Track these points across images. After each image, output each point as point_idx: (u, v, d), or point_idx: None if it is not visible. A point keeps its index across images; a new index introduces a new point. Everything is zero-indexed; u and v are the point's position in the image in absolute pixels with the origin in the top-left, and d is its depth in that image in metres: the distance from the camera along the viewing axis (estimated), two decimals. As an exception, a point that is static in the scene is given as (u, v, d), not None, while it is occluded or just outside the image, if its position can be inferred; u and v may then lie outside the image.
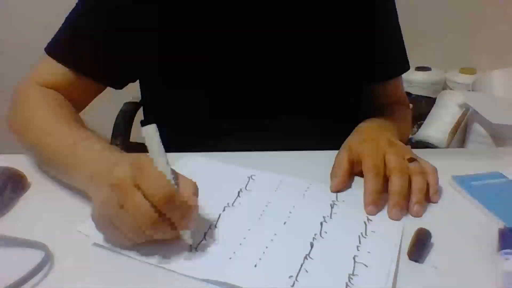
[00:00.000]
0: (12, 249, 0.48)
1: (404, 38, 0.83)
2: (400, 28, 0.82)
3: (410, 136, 1.64)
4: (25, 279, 0.42)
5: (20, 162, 0.62)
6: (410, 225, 0.52)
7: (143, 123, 0.47)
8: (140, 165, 0.44)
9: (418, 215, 0.55)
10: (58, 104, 0.66)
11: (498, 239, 0.47)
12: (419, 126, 1.69)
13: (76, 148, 0.55)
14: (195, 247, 0.47)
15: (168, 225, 0.45)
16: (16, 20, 1.76)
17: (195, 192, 0.47)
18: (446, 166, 0.60)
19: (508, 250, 0.44)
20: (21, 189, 0.59)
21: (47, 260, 0.45)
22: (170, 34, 0.70)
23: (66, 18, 0.71)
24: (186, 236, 0.46)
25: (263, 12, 0.70)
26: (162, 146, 0.47)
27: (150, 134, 0.46)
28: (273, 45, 0.71)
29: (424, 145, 1.57)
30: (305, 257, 0.46)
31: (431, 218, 0.54)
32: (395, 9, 0.81)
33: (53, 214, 0.54)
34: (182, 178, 0.47)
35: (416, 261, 0.47)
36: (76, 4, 0.71)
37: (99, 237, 0.48)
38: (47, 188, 0.60)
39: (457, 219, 0.54)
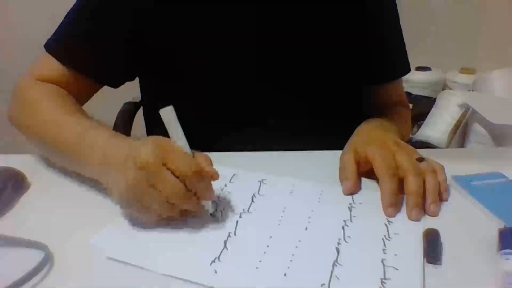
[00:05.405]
0: (12, 249, 0.48)
1: (404, 38, 0.83)
2: (401, 30, 0.82)
3: (410, 136, 1.64)
4: (25, 279, 0.42)
5: (20, 162, 0.62)
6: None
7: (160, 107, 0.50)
8: (163, 146, 0.48)
9: (435, 214, 0.54)
10: (60, 96, 0.67)
11: (498, 239, 0.47)
12: (419, 126, 1.69)
13: (85, 136, 0.56)
14: (218, 257, 0.47)
15: (194, 196, 0.49)
16: (16, 17, 1.76)
17: (211, 164, 0.51)
18: (446, 166, 0.59)
19: (508, 250, 0.44)
20: (21, 189, 0.59)
21: (47, 260, 0.45)
22: (170, 35, 0.70)
23: (66, 15, 0.71)
24: (208, 205, 0.52)
25: (266, 14, 0.70)
26: (180, 126, 0.50)
27: (167, 116, 0.49)
28: (276, 47, 0.71)
29: (424, 145, 1.57)
30: (334, 264, 0.45)
31: (431, 218, 0.54)
32: (397, 11, 0.81)
33: (53, 214, 0.54)
34: (196, 154, 0.51)
35: (434, 263, 0.46)
36: (76, 1, 0.71)
37: (113, 251, 0.47)
38: (47, 188, 0.60)
39: (457, 219, 0.54)
